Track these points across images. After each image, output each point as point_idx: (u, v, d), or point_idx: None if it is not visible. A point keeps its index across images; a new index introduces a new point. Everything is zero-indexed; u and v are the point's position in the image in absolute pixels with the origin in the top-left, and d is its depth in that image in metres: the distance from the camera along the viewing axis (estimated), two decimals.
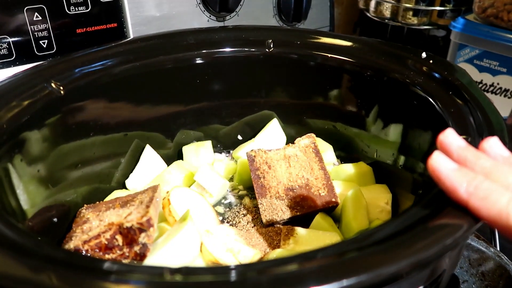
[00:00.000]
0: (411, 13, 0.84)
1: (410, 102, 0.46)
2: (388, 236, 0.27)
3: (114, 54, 0.47)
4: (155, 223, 0.38)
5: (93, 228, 0.38)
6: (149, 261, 0.37)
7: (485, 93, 0.75)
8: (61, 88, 0.42)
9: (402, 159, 0.48)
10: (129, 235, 0.36)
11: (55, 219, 0.41)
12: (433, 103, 0.44)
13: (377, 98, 0.51)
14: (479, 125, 0.39)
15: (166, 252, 0.37)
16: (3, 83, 0.39)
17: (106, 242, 0.37)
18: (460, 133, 0.39)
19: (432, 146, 0.42)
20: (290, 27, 0.58)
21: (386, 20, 0.88)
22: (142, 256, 0.37)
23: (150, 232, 0.36)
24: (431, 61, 0.50)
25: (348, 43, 0.54)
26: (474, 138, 0.37)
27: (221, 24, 0.64)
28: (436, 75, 0.47)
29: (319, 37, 0.55)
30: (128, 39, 0.50)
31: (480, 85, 0.75)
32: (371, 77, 0.50)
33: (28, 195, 0.37)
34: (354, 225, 0.45)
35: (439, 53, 0.86)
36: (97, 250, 0.37)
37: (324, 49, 0.54)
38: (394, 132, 0.49)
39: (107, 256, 0.37)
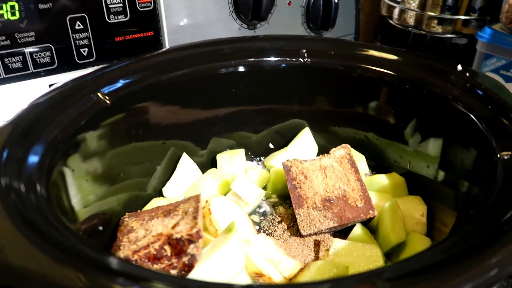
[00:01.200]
0: (435, 21, 0.84)
1: (450, 116, 0.46)
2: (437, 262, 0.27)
3: (154, 64, 0.48)
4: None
5: (139, 237, 0.39)
6: (196, 271, 0.37)
7: None
8: (107, 98, 0.42)
9: (442, 174, 0.48)
10: (178, 246, 0.37)
11: (100, 228, 0.41)
12: (473, 118, 0.44)
13: (415, 111, 0.51)
14: None
15: (213, 264, 0.37)
16: (52, 94, 0.39)
17: (155, 253, 0.37)
18: (503, 149, 0.39)
19: (476, 163, 0.42)
20: (323, 38, 0.59)
21: (410, 28, 0.88)
22: (190, 266, 0.37)
23: (199, 243, 0.37)
24: (467, 74, 0.50)
25: (384, 55, 0.54)
26: None
27: (252, 31, 0.65)
28: (475, 89, 0.47)
29: (356, 48, 0.55)
30: (166, 48, 0.51)
31: None
32: (410, 90, 0.50)
33: (79, 203, 0.37)
34: (393, 237, 0.45)
35: (461, 61, 0.86)
36: (146, 260, 0.37)
37: (359, 60, 0.54)
38: (433, 146, 0.49)
39: (155, 266, 0.37)
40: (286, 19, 0.68)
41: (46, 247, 0.24)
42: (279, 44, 0.56)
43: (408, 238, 0.46)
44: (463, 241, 0.29)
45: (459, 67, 0.51)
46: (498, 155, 0.39)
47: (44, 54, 0.47)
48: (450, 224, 0.45)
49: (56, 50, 0.48)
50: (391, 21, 0.92)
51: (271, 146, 0.60)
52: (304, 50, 0.56)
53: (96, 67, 0.51)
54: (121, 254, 0.37)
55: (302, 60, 0.56)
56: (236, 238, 0.39)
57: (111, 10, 0.50)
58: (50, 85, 0.48)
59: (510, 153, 0.38)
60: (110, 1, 0.50)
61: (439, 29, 0.85)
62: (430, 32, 0.86)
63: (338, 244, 0.45)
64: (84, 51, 0.50)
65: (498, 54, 0.74)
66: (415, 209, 0.49)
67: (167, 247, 0.37)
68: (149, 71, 0.47)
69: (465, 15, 0.82)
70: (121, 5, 0.51)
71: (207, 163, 0.57)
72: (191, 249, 0.37)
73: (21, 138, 0.33)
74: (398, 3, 0.88)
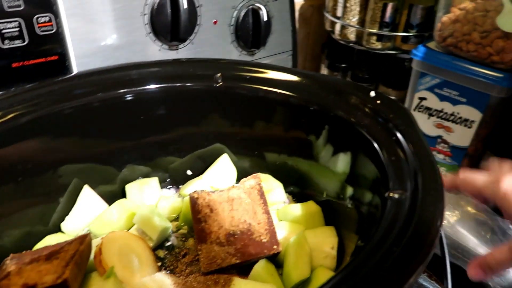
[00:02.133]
0: (375, 38, 0.83)
1: (355, 140, 0.45)
2: None
3: (47, 93, 0.45)
4: (76, 283, 0.36)
5: (10, 285, 0.36)
6: None
7: (446, 121, 0.74)
8: None
9: (350, 190, 0.47)
10: None
11: None
12: (376, 147, 0.43)
13: (324, 131, 0.50)
14: (415, 176, 0.38)
15: None
16: None
17: None
18: (396, 188, 0.38)
19: (378, 179, 0.41)
20: (239, 61, 0.57)
21: (351, 44, 0.88)
22: None
23: None
24: (378, 101, 0.49)
25: (297, 78, 0.53)
26: (407, 195, 0.36)
27: (174, 52, 0.63)
28: (382, 117, 0.46)
29: (267, 71, 0.53)
30: (66, 76, 0.48)
31: (441, 114, 0.75)
32: (318, 112, 0.49)
33: None
34: (295, 275, 0.43)
35: (406, 76, 0.85)
36: None
37: (271, 84, 0.53)
38: (342, 163, 0.48)
39: None
40: (213, 38, 0.66)
41: None
42: (192, 68, 0.54)
43: (313, 274, 0.45)
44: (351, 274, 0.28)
45: (372, 93, 0.50)
46: (391, 194, 0.37)
47: None
48: (350, 249, 0.44)
49: None
50: (333, 36, 0.91)
51: (189, 172, 0.58)
52: (219, 74, 0.54)
53: None
54: None
55: (215, 85, 0.54)
56: (114, 286, 0.37)
57: (5, 35, 0.48)
58: None
59: (399, 192, 0.37)
60: (4, 26, 0.47)
61: (378, 45, 0.84)
62: (371, 48, 0.85)
63: (237, 283, 0.43)
64: None
65: (431, 72, 0.73)
66: (325, 242, 0.48)
67: None
68: (39, 101, 0.45)
69: (404, 31, 0.82)
70: (17, 29, 0.48)
71: (119, 193, 0.54)
72: None
73: None
74: (338, 18, 0.87)
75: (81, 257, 0.38)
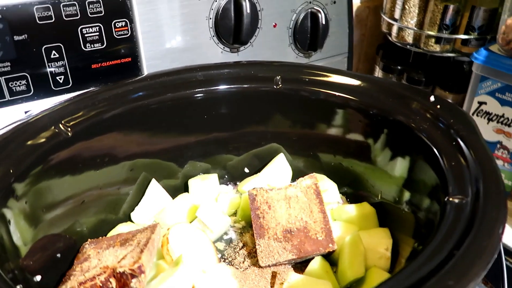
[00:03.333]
0: (433, 40, 0.82)
1: (414, 144, 0.46)
2: None
3: (123, 93, 0.49)
4: (148, 268, 0.39)
5: (91, 267, 0.40)
6: None
7: (507, 127, 0.72)
8: (69, 129, 0.44)
9: (407, 194, 0.48)
10: (122, 279, 0.38)
11: (58, 255, 0.43)
12: (436, 152, 0.43)
13: (382, 135, 0.50)
14: (476, 182, 0.38)
15: None
16: (14, 126, 0.42)
17: (100, 285, 0.38)
18: (456, 193, 0.38)
19: (437, 184, 0.41)
20: (299, 64, 0.59)
21: (408, 46, 0.87)
22: None
23: (141, 278, 0.38)
24: (438, 106, 0.49)
25: (356, 82, 0.54)
26: (468, 200, 0.36)
27: (235, 55, 0.65)
28: (442, 122, 0.46)
29: (328, 74, 0.55)
30: (139, 77, 0.52)
31: (502, 119, 0.73)
32: (377, 115, 0.50)
33: (22, 234, 0.39)
34: (349, 273, 0.45)
35: (464, 79, 0.83)
36: None
37: (330, 87, 0.54)
38: (400, 167, 0.49)
39: None
40: (272, 41, 0.68)
41: None
42: (253, 71, 0.56)
43: (367, 273, 0.46)
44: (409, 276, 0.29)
45: (432, 98, 0.50)
46: (450, 198, 0.38)
47: (20, 83, 0.49)
48: (406, 252, 0.45)
49: (31, 78, 0.50)
50: (390, 38, 0.90)
51: (246, 170, 0.61)
52: (279, 77, 0.56)
53: (73, 94, 0.53)
54: (69, 285, 0.39)
55: (275, 87, 0.56)
56: (183, 272, 0.40)
57: (87, 39, 0.52)
58: (25, 112, 0.51)
59: (460, 197, 0.37)
60: (86, 30, 0.52)
61: (437, 47, 0.83)
62: (429, 51, 0.84)
63: (293, 278, 0.45)
64: (60, 78, 0.52)
65: (493, 76, 0.71)
66: (379, 243, 0.49)
67: (112, 280, 0.38)
68: (117, 100, 0.49)
69: (465, 34, 0.80)
70: (97, 34, 0.52)
71: (182, 187, 0.58)
72: (134, 283, 0.38)
73: None
74: (396, 20, 0.86)
75: (152, 245, 0.42)
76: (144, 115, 0.51)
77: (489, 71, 0.72)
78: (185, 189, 0.58)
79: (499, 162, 0.75)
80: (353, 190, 0.58)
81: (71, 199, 0.45)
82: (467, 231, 0.33)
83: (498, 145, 0.74)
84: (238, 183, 0.61)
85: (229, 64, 0.56)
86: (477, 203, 0.36)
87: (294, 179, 0.60)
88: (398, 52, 0.94)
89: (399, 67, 0.93)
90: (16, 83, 0.49)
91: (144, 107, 0.50)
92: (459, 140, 0.44)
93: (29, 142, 0.41)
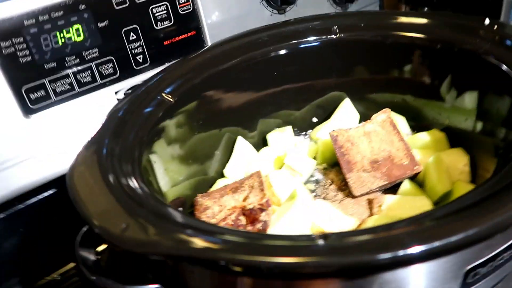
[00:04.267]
0: None
1: (483, 70, 0.49)
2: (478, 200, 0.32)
3: (203, 60, 0.54)
4: None
5: (216, 212, 0.45)
6: None
7: None
8: (170, 97, 0.48)
9: (480, 124, 0.52)
10: (251, 215, 0.43)
11: (180, 209, 0.48)
12: (505, 68, 0.47)
13: (449, 68, 0.54)
14: None
15: (283, 227, 0.43)
16: (126, 101, 0.46)
17: (232, 223, 0.43)
18: None
19: (511, 110, 0.45)
20: (351, 12, 0.62)
21: None
22: (263, 231, 0.43)
23: (269, 210, 0.43)
24: (495, 27, 0.52)
25: (412, 19, 0.57)
26: None
27: (282, 16, 0.69)
28: (504, 40, 0.50)
29: (384, 17, 0.59)
30: (209, 45, 0.56)
31: None
32: (441, 50, 0.53)
33: (165, 186, 0.44)
34: (439, 188, 0.49)
35: (489, 11, 0.86)
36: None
37: (389, 28, 0.58)
38: (470, 99, 0.52)
39: None
40: None
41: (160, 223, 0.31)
42: (311, 25, 0.60)
43: (454, 187, 0.50)
44: (501, 180, 0.33)
45: (487, 21, 0.54)
46: None
47: (108, 66, 0.54)
48: (491, 169, 0.48)
49: (116, 61, 0.54)
50: None
51: (314, 120, 0.65)
52: (336, 27, 0.60)
53: (151, 71, 0.57)
54: None
55: (334, 36, 0.59)
56: (300, 203, 0.45)
57: (157, 17, 0.56)
58: (116, 92, 0.55)
59: None
60: (156, 10, 0.56)
61: None
62: None
63: (389, 199, 0.49)
64: (139, 58, 0.56)
65: None
66: (458, 160, 0.53)
67: (242, 217, 0.43)
68: (200, 68, 0.53)
69: None
70: (165, 12, 0.56)
71: (259, 143, 0.62)
72: (263, 216, 0.43)
73: (113, 138, 0.40)
74: None
75: (265, 187, 0.47)
76: (224, 79, 0.55)
77: None
78: (263, 144, 0.62)
79: None
80: (417, 123, 0.62)
81: (181, 161, 0.50)
82: None
83: None
84: (308, 133, 0.65)
85: (289, 22, 0.60)
86: None
87: (360, 122, 0.64)
88: None
89: (425, 9, 0.96)
90: (104, 67, 0.53)
91: (223, 71, 0.55)
92: None
93: (143, 112, 0.45)
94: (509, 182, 0.33)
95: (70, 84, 0.51)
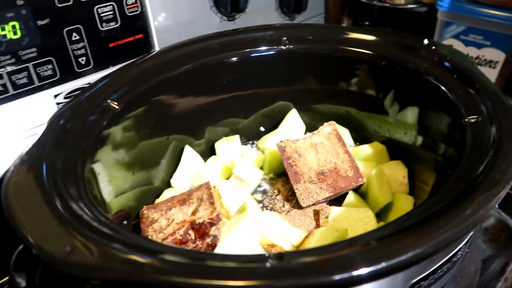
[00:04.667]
0: None
1: (423, 87, 0.52)
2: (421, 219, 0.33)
3: (151, 66, 0.52)
4: None
5: (163, 226, 0.44)
6: (218, 249, 0.42)
7: None
8: (116, 104, 0.46)
9: (420, 139, 0.55)
10: (201, 229, 0.42)
11: (125, 222, 0.46)
12: (443, 88, 0.50)
13: (392, 84, 0.56)
14: (485, 104, 0.46)
15: (232, 240, 0.43)
16: (69, 107, 0.43)
17: (180, 238, 0.42)
18: (469, 114, 0.45)
19: (448, 128, 0.48)
20: (300, 24, 0.63)
21: (374, 2, 0.94)
22: (213, 246, 0.42)
23: (220, 225, 0.42)
24: (433, 47, 0.56)
25: (360, 35, 0.59)
26: (484, 118, 0.44)
27: (231, 23, 0.69)
28: (442, 61, 0.53)
29: (330, 31, 0.60)
30: (157, 51, 0.55)
31: None
32: (386, 66, 0.56)
33: (108, 199, 0.42)
34: (381, 199, 0.52)
35: (423, 28, 0.92)
36: (174, 245, 0.42)
37: (336, 42, 0.59)
38: (411, 114, 0.55)
39: None
40: (262, 7, 0.72)
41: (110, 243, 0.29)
42: (261, 35, 0.60)
43: (394, 198, 0.53)
44: (442, 198, 0.35)
45: (426, 41, 0.57)
46: (466, 119, 0.45)
47: (47, 67, 0.50)
48: (430, 183, 0.52)
49: (57, 62, 0.51)
50: None
51: (262, 129, 0.65)
52: (285, 38, 0.60)
53: (94, 74, 0.54)
54: None
55: (284, 47, 0.60)
56: (250, 216, 0.45)
57: (103, 18, 0.53)
58: (55, 96, 0.52)
59: (476, 117, 0.44)
60: (101, 10, 0.53)
61: (401, 1, 0.90)
62: (394, 4, 0.91)
63: (335, 211, 0.51)
64: (82, 60, 0.53)
65: (457, 21, 0.80)
66: (397, 172, 0.56)
67: (191, 232, 0.42)
68: (148, 74, 0.51)
69: None
70: (111, 12, 0.54)
71: (206, 152, 0.62)
72: (213, 230, 0.42)
73: (54, 149, 0.37)
74: None
75: (214, 199, 0.46)
76: (173, 86, 0.53)
77: (453, 16, 0.80)
78: (211, 153, 0.62)
79: None
80: (359, 134, 0.65)
81: (125, 171, 0.48)
82: (493, 143, 0.40)
83: None
84: (255, 141, 0.65)
85: (239, 31, 0.60)
86: (492, 121, 0.43)
87: (306, 132, 0.65)
88: (362, 8, 1.00)
89: (367, 23, 1.00)
90: (43, 68, 0.50)
91: (172, 77, 0.53)
92: (459, 73, 0.51)
93: (86, 120, 0.43)
94: (448, 201, 0.35)
95: (3, 85, 0.47)
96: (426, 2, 0.90)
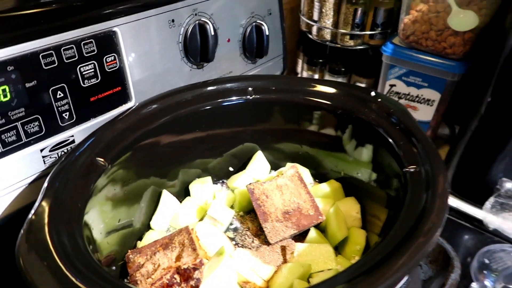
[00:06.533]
0: (348, 37, 1.00)
1: (373, 136, 0.60)
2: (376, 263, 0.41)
3: (131, 122, 0.57)
4: None
5: (150, 271, 0.49)
6: None
7: (413, 102, 0.93)
8: (102, 160, 0.51)
9: (374, 175, 0.63)
10: (186, 273, 0.48)
11: (113, 267, 0.51)
12: (389, 139, 0.58)
13: (348, 128, 0.64)
14: (421, 155, 0.54)
15: (213, 282, 0.49)
16: (64, 163, 0.48)
17: (167, 282, 0.47)
18: (409, 164, 0.54)
19: (394, 173, 0.57)
20: (265, 75, 0.70)
21: (327, 42, 1.03)
22: (196, 287, 0.48)
23: (202, 269, 0.48)
24: (379, 100, 0.65)
25: (318, 87, 0.67)
26: (420, 168, 0.52)
27: (201, 70, 0.75)
28: (388, 114, 0.61)
29: (294, 82, 0.68)
30: (137, 105, 0.60)
31: (408, 96, 0.93)
32: (342, 114, 0.64)
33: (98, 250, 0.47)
34: (339, 235, 0.59)
35: (371, 66, 1.02)
36: None
37: (298, 92, 0.67)
38: (366, 152, 0.63)
39: None
40: (227, 54, 0.79)
41: None
42: (229, 86, 0.67)
43: (349, 232, 0.61)
44: (390, 243, 0.43)
45: (373, 93, 0.66)
46: (406, 169, 0.53)
47: (34, 125, 0.54)
48: (382, 217, 0.60)
49: (43, 119, 0.54)
50: (310, 36, 1.06)
51: (231, 169, 0.72)
52: (251, 88, 0.67)
53: (77, 127, 0.59)
54: (141, 287, 0.47)
55: (250, 97, 0.67)
56: (227, 259, 0.51)
57: (85, 76, 0.58)
58: (41, 150, 0.55)
59: (414, 166, 0.53)
60: (84, 68, 0.57)
61: (351, 42, 1.00)
62: (344, 45, 1.01)
63: (300, 247, 0.58)
64: (65, 115, 0.57)
65: (399, 64, 0.91)
66: (351, 208, 0.64)
67: (176, 276, 0.48)
68: (129, 129, 0.56)
69: (371, 30, 0.99)
70: (92, 70, 0.58)
71: (181, 192, 0.67)
72: (196, 274, 0.47)
73: (55, 219, 0.42)
74: (315, 21, 1.02)
75: (196, 245, 0.51)
76: (152, 138, 0.59)
77: (396, 60, 0.91)
78: (185, 193, 0.67)
79: None
80: (316, 171, 0.73)
81: (113, 220, 0.53)
82: (427, 190, 0.49)
83: None
84: (225, 181, 0.72)
85: (209, 83, 0.66)
86: (427, 170, 0.52)
87: (270, 170, 0.72)
88: (316, 46, 1.10)
89: (321, 61, 1.09)
90: (30, 125, 0.54)
91: (151, 130, 0.58)
92: (400, 125, 0.60)
93: (80, 179, 0.47)
94: (395, 245, 0.43)
95: None
96: (373, 44, 1.01)
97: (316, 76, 1.11)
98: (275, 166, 0.73)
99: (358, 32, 0.98)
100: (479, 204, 0.80)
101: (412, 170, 0.53)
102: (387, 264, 0.40)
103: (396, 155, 0.56)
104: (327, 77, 1.08)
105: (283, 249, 0.59)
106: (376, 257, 0.41)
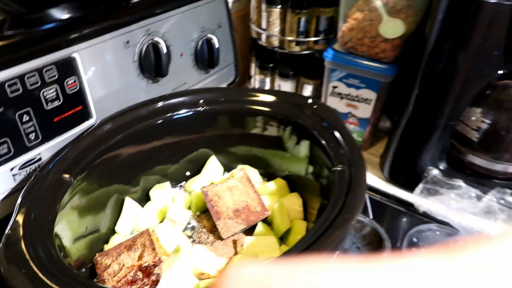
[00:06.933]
0: (294, 43, 1.08)
1: (310, 138, 0.69)
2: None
3: (93, 139, 0.64)
4: None
5: (116, 270, 0.57)
6: (161, 283, 0.56)
7: (353, 101, 1.03)
8: (67, 176, 0.58)
9: (310, 168, 0.72)
10: (147, 270, 0.56)
11: (83, 270, 0.58)
12: (323, 142, 0.67)
13: (288, 130, 0.73)
14: (347, 156, 0.64)
15: (171, 276, 0.57)
16: (34, 181, 0.54)
17: (131, 278, 0.55)
18: (337, 163, 0.63)
19: (326, 169, 0.66)
20: (215, 88, 0.78)
21: (276, 48, 1.12)
22: (157, 282, 0.56)
23: (161, 265, 0.56)
24: (315, 106, 0.74)
25: (261, 96, 0.76)
26: (346, 168, 0.62)
27: (156, 84, 0.82)
28: (321, 119, 0.71)
29: (240, 93, 0.76)
30: (99, 123, 0.66)
31: (349, 96, 1.03)
32: (282, 119, 0.72)
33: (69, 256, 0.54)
34: (282, 227, 0.68)
35: (317, 69, 1.11)
36: (127, 285, 0.55)
37: (243, 102, 0.75)
38: (304, 147, 0.72)
39: (134, 287, 0.55)
40: (181, 67, 0.86)
41: None
42: (182, 99, 0.74)
43: (292, 224, 0.70)
44: (319, 229, 0.52)
45: (310, 100, 0.75)
46: (334, 168, 0.63)
47: (3, 147, 0.60)
48: (316, 207, 0.69)
49: (11, 141, 0.60)
50: (260, 43, 1.14)
51: (187, 173, 0.80)
52: (202, 100, 0.75)
53: (43, 145, 0.65)
54: (109, 285, 0.55)
55: (201, 108, 0.75)
56: (183, 256, 0.59)
57: (48, 99, 0.64)
58: (11, 169, 0.61)
59: (341, 166, 0.62)
60: (46, 93, 0.63)
61: (297, 48, 1.09)
62: (291, 51, 1.10)
63: (248, 240, 0.67)
64: (31, 136, 0.63)
65: (339, 68, 1.00)
66: (294, 203, 0.73)
67: (139, 273, 0.55)
68: (91, 146, 0.63)
69: (315, 36, 1.07)
70: (54, 93, 0.64)
71: (142, 198, 0.75)
72: (156, 270, 0.56)
73: (29, 235, 0.49)
74: (264, 30, 1.10)
75: (155, 245, 0.59)
76: (113, 152, 0.66)
77: (336, 64, 1.00)
78: (146, 198, 0.75)
79: (351, 126, 1.06)
80: (265, 170, 0.82)
81: (80, 228, 0.60)
82: (349, 186, 0.58)
83: (349, 115, 1.05)
84: (182, 184, 0.80)
85: (164, 97, 0.73)
86: (351, 168, 0.61)
87: (224, 172, 0.81)
88: (267, 52, 1.18)
89: (271, 65, 1.18)
90: (0, 148, 0.60)
91: (111, 146, 0.65)
92: (332, 128, 0.69)
93: (49, 195, 0.54)
94: (324, 230, 0.52)
95: None
96: (317, 49, 1.10)
97: (268, 79, 1.19)
98: (228, 168, 0.82)
99: (302, 39, 1.06)
100: (412, 190, 0.91)
101: (339, 168, 0.62)
102: (319, 243, 0.49)
103: (327, 155, 0.65)
104: (277, 80, 1.17)
105: (235, 242, 0.68)
106: (312, 238, 0.50)
